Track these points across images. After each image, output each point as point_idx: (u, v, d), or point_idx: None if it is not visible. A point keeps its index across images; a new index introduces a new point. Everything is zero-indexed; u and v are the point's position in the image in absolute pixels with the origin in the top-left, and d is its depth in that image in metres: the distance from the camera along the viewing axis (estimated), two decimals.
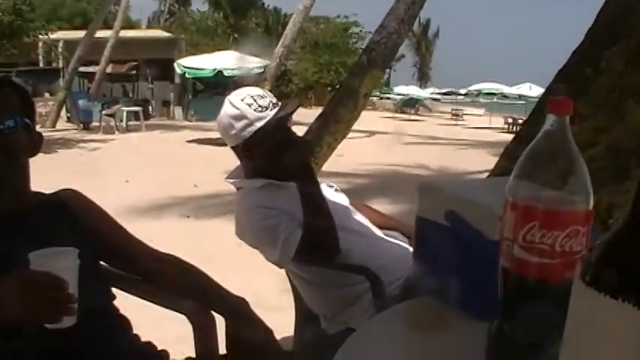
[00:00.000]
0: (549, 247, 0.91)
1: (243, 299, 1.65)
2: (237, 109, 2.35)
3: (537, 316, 0.94)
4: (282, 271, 2.57)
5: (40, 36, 24.33)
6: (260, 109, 2.34)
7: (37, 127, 1.76)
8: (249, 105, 2.34)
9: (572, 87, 2.00)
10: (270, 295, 3.69)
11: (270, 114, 2.34)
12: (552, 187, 0.92)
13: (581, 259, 0.61)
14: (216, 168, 10.40)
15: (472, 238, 1.21)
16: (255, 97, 2.37)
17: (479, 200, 1.25)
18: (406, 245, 2.53)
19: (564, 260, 0.91)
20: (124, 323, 1.72)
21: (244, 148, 2.39)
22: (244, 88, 2.58)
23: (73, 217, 1.74)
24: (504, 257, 0.95)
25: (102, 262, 1.78)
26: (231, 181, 2.53)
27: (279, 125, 2.36)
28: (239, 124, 2.35)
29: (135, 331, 1.74)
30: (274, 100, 2.40)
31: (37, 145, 1.73)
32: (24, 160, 1.68)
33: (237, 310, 1.61)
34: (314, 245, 2.23)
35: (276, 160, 2.31)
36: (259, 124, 2.33)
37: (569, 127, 0.92)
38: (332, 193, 2.56)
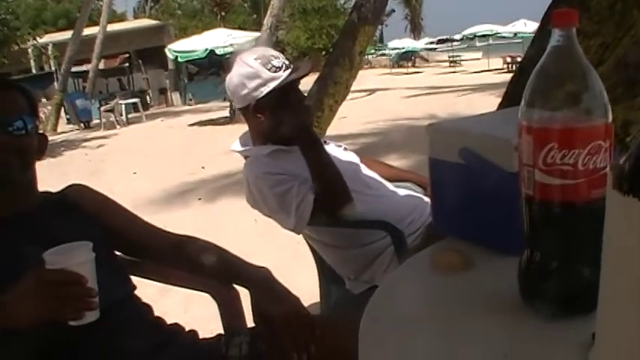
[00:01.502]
0: (572, 167, 0.87)
1: (265, 269, 1.62)
2: (251, 67, 2.28)
3: (567, 239, 0.91)
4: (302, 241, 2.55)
5: (29, 42, 24.26)
6: (274, 69, 2.28)
7: None
8: (263, 65, 2.28)
9: (572, 5, 1.93)
10: (292, 266, 3.68)
11: (283, 75, 2.28)
12: (567, 105, 0.88)
13: (612, 170, 0.57)
14: (220, 148, 10.41)
15: (489, 173, 1.17)
16: (270, 57, 2.30)
17: (492, 133, 1.20)
18: (420, 195, 2.50)
19: (589, 179, 0.87)
20: (147, 310, 1.70)
21: (255, 109, 2.32)
22: (257, 47, 2.53)
23: (83, 211, 1.72)
24: (526, 185, 0.91)
25: (118, 253, 1.76)
26: (238, 149, 2.47)
27: (292, 87, 2.32)
28: (252, 84, 2.28)
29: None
30: (287, 61, 2.34)
31: (43, 147, 1.72)
32: (34, 161, 1.66)
33: (261, 281, 1.58)
34: (328, 206, 2.19)
35: (284, 122, 2.27)
36: (273, 85, 2.27)
37: (576, 39, 0.87)
38: (341, 153, 2.52)
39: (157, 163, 11.10)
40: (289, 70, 2.30)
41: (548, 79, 0.89)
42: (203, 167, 9.83)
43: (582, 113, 0.87)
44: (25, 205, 1.62)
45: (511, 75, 2.68)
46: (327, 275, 2.56)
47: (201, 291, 1.77)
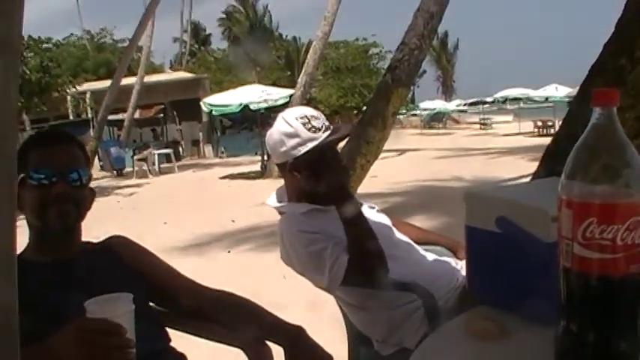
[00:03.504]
0: (610, 242, 0.89)
1: (300, 327, 1.64)
2: (291, 126, 2.32)
3: (604, 312, 0.92)
4: (330, 299, 2.54)
5: (68, 90, 24.87)
6: (313, 129, 2.31)
7: None
8: (303, 124, 2.31)
9: (608, 79, 1.97)
10: (319, 324, 3.66)
11: (322, 136, 2.31)
12: (607, 181, 0.90)
13: None
14: (250, 202, 10.47)
15: (526, 242, 1.19)
16: (310, 117, 2.34)
17: (529, 203, 1.23)
18: (449, 259, 2.49)
19: (627, 254, 0.89)
20: None
21: (291, 167, 2.35)
22: (299, 106, 2.57)
23: (123, 262, 1.76)
24: (564, 257, 0.93)
25: (153, 304, 1.79)
26: (274, 204, 2.49)
27: (330, 149, 2.35)
28: (290, 142, 2.31)
29: None
30: (327, 122, 2.38)
31: (92, 199, 1.78)
32: (86, 212, 1.73)
33: (296, 338, 1.59)
34: (362, 268, 2.20)
35: (320, 183, 2.29)
36: (311, 145, 2.30)
37: (617, 117, 0.90)
38: (374, 214, 2.53)
39: (188, 214, 11.18)
40: (328, 132, 2.34)
41: (589, 154, 0.92)
42: (233, 220, 9.88)
43: (622, 189, 0.90)
44: (69, 253, 1.67)
45: (542, 139, 2.71)
46: (355, 335, 2.54)
47: (234, 346, 1.78)
